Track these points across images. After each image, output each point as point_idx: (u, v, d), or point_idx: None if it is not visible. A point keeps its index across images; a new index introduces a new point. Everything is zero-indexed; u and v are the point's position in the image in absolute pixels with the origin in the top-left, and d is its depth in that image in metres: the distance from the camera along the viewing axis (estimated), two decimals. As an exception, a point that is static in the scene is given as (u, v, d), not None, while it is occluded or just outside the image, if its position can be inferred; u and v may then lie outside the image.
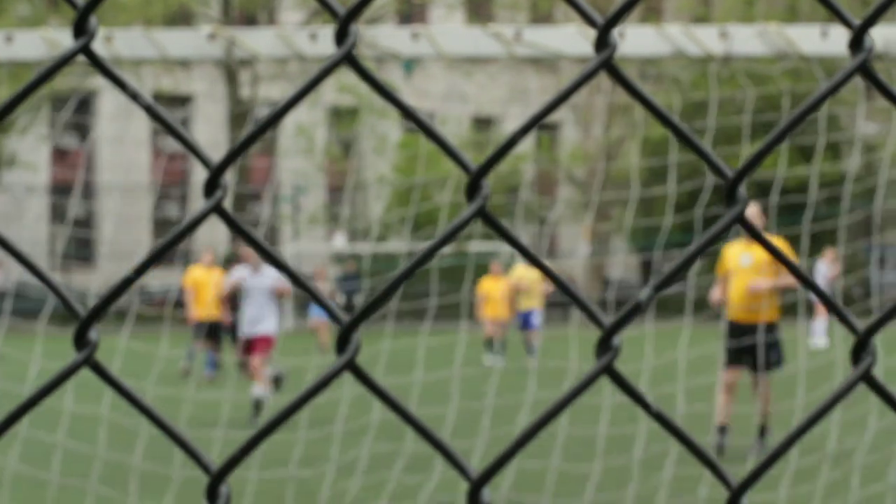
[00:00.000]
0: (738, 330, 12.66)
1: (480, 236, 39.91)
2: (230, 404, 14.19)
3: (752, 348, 12.58)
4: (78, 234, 52.96)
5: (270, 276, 16.01)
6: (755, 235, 1.32)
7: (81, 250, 51.27)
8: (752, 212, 12.46)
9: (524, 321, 25.41)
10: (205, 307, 21.95)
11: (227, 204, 1.21)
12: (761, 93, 24.80)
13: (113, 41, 7.24)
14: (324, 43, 7.55)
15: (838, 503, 9.97)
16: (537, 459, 11.05)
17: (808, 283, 1.35)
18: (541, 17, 48.91)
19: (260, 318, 15.95)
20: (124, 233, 50.77)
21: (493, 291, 26.02)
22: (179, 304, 23.26)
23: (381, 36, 7.68)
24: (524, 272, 25.29)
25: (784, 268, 1.39)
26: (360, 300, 36.82)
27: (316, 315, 30.25)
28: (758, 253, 12.56)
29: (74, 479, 11.01)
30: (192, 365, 21.52)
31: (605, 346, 1.27)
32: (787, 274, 12.25)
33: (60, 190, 53.72)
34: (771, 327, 12.70)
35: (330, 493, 10.32)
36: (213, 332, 21.86)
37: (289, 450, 11.59)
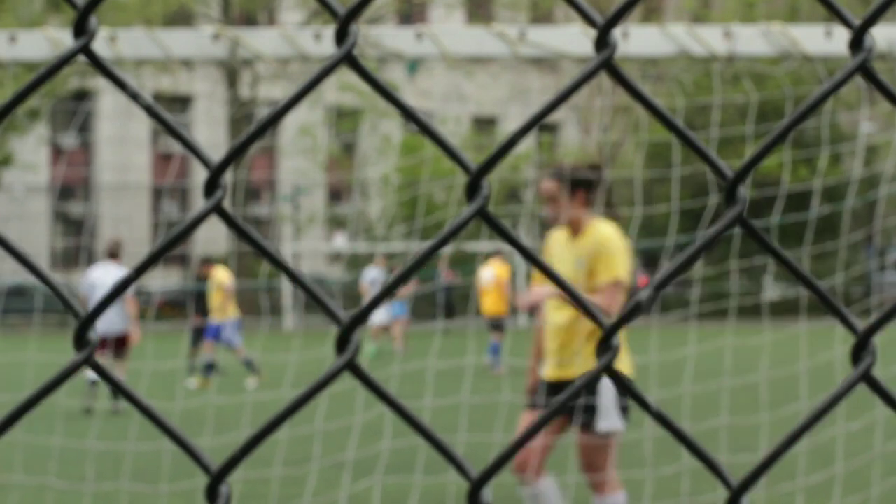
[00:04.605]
0: None
1: (487, 237, 39.94)
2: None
3: None
4: (78, 234, 52.93)
5: None
6: (756, 237, 1.32)
7: (81, 250, 51.24)
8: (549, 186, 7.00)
9: (213, 332, 21.84)
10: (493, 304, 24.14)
11: (226, 203, 1.21)
12: (765, 96, 24.84)
13: (117, 41, 7.24)
14: (328, 43, 7.55)
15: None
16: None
17: (807, 282, 1.35)
18: (541, 16, 48.92)
19: None
20: (124, 233, 50.75)
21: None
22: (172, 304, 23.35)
23: (384, 36, 7.67)
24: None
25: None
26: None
27: (396, 314, 29.76)
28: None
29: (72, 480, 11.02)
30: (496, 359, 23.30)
31: (605, 346, 1.27)
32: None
33: (60, 190, 53.71)
34: None
35: (315, 494, 10.31)
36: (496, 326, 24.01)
37: (272, 449, 11.61)
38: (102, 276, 16.87)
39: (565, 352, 7.00)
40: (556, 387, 7.03)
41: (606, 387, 6.87)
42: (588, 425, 6.88)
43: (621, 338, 6.88)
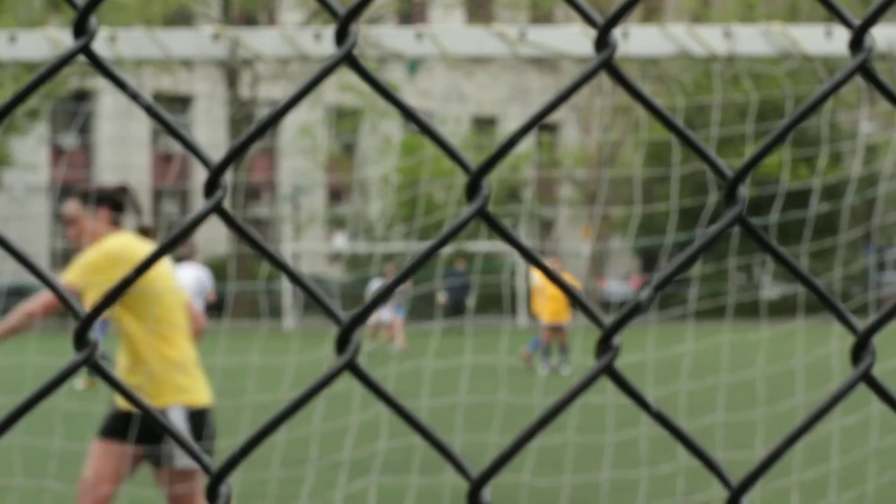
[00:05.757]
0: None
1: (486, 236, 39.90)
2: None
3: None
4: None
5: None
6: (756, 237, 1.32)
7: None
8: (70, 208, 7.14)
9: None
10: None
11: (227, 203, 1.21)
12: (765, 96, 24.84)
13: (117, 41, 7.24)
14: (328, 43, 7.55)
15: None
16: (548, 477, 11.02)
17: (806, 281, 1.35)
18: (541, 16, 48.91)
19: None
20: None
21: (552, 288, 23.43)
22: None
23: (384, 36, 7.67)
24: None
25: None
26: (470, 300, 36.33)
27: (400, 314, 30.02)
28: None
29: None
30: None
31: (605, 346, 1.27)
32: None
33: (60, 190, 53.69)
34: None
35: (312, 494, 10.31)
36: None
37: (270, 450, 11.60)
38: (181, 276, 18.25)
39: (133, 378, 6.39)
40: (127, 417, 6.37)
41: (178, 423, 6.23)
42: (160, 461, 6.34)
43: (188, 362, 6.54)
